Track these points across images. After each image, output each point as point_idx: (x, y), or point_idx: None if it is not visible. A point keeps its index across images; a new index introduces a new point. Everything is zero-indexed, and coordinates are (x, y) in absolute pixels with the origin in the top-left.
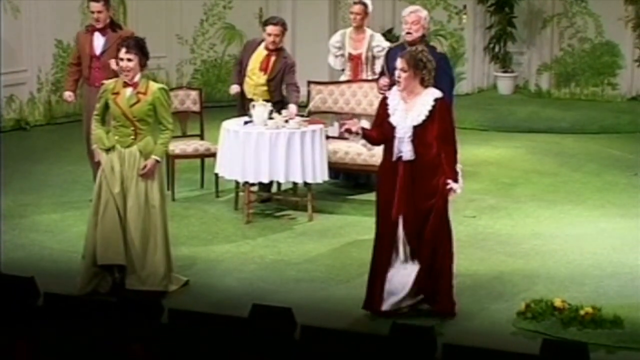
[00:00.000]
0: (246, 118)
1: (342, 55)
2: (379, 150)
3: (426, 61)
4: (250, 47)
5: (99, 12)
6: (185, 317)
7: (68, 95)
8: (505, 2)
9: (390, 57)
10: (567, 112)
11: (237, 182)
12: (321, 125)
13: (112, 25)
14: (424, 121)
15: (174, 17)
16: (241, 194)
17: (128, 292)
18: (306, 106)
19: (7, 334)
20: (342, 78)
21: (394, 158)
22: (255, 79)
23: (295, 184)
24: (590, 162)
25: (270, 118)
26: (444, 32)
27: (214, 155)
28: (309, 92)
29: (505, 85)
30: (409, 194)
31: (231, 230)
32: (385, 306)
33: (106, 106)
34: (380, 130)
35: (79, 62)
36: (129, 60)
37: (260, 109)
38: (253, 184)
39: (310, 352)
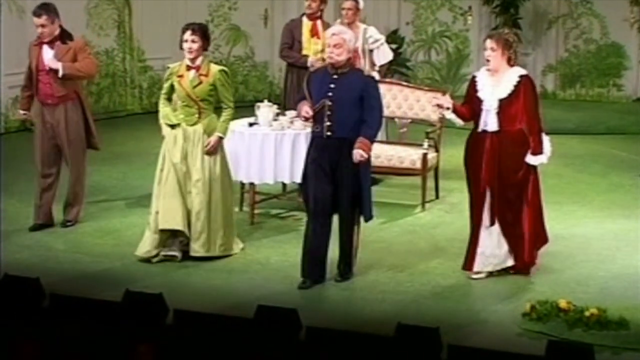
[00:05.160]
0: (251, 119)
1: None
2: (382, 152)
3: (512, 42)
4: (294, 25)
5: (43, 26)
6: (190, 317)
7: (22, 114)
8: (511, 3)
9: (311, 81)
10: (572, 113)
11: (242, 183)
12: None
13: (62, 37)
14: (510, 95)
15: (179, 18)
16: (246, 195)
17: (192, 258)
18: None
19: (13, 335)
20: None
21: (480, 129)
22: (313, 46)
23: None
24: (596, 163)
25: (275, 119)
26: (449, 34)
27: None
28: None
29: None
30: (496, 166)
31: (236, 231)
32: (477, 267)
33: (172, 87)
34: (470, 106)
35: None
36: (193, 42)
37: (265, 110)
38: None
39: (315, 354)
